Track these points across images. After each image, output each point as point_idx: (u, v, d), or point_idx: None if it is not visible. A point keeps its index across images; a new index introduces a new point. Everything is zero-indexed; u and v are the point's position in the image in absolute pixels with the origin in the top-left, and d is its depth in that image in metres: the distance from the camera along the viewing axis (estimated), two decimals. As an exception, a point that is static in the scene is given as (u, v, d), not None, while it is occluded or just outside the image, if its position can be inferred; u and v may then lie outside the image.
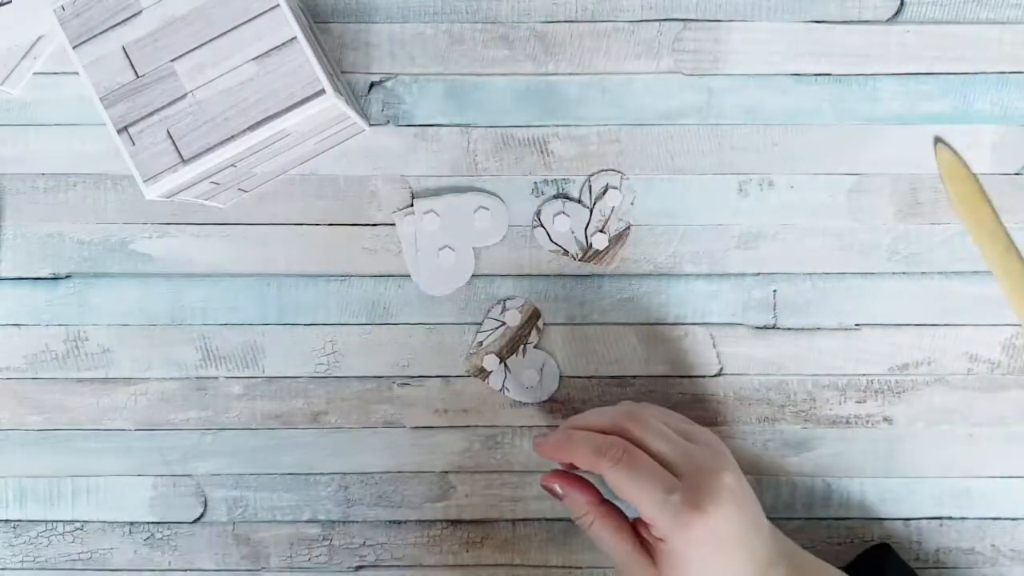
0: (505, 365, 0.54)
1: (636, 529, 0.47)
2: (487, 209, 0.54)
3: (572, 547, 0.54)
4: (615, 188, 0.54)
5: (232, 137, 0.46)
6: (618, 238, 0.54)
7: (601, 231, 0.54)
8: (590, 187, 0.54)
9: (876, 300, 0.54)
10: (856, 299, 0.54)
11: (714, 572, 0.44)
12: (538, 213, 0.54)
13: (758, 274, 0.54)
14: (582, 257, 0.54)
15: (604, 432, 0.46)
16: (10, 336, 0.54)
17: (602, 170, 0.54)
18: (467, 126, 0.55)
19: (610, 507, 0.48)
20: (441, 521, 0.55)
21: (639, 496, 0.44)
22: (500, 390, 0.54)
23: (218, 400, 0.54)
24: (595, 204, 0.54)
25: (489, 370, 0.54)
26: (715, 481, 0.44)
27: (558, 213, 0.54)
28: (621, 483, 0.44)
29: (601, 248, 0.54)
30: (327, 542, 0.54)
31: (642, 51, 0.54)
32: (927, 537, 0.54)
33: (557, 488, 0.48)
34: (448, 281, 0.54)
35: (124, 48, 0.46)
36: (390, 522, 0.55)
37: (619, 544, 0.47)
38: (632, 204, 0.54)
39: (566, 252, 0.54)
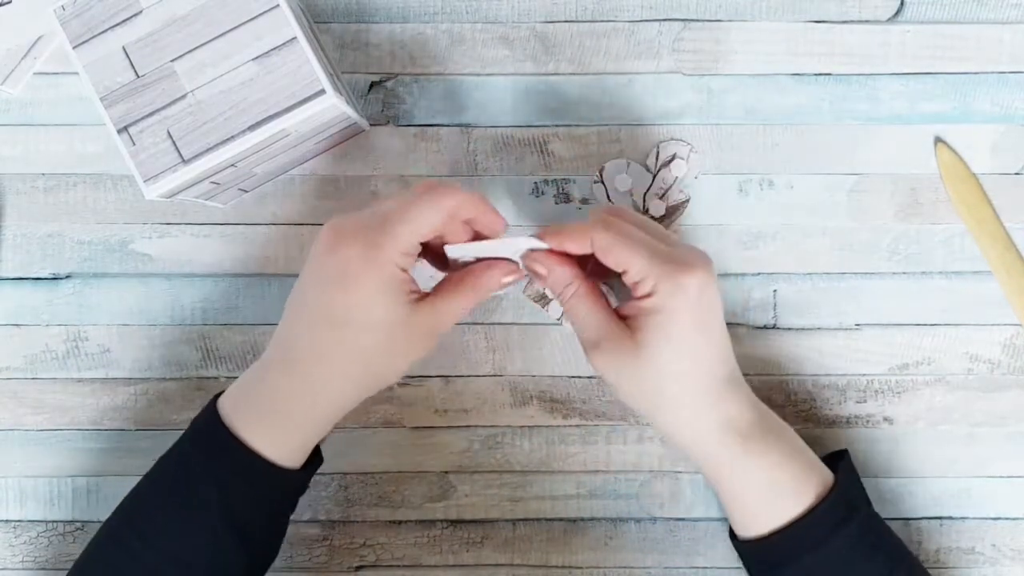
0: None
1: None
2: None
3: (572, 547, 0.54)
4: (682, 159, 0.54)
5: (232, 137, 0.46)
6: (676, 208, 0.54)
7: (660, 198, 0.54)
8: (657, 153, 0.54)
9: (876, 300, 0.54)
10: (856, 299, 0.54)
11: (693, 343, 0.45)
12: (601, 170, 0.54)
13: (758, 274, 0.54)
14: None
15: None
16: (10, 336, 0.54)
17: (672, 139, 0.54)
18: (467, 126, 0.55)
19: (590, 282, 0.47)
20: (441, 521, 0.55)
21: (631, 251, 0.44)
22: (558, 319, 0.54)
23: (218, 400, 0.54)
24: (659, 171, 0.54)
25: (550, 298, 0.54)
26: (701, 257, 0.45)
27: (621, 172, 0.54)
28: (612, 243, 0.44)
29: (657, 215, 0.54)
30: (327, 542, 0.54)
31: (642, 51, 0.54)
32: (927, 537, 0.54)
33: (540, 267, 0.47)
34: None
35: (124, 48, 0.46)
36: (390, 522, 0.55)
37: (598, 312, 0.46)
38: (696, 178, 0.54)
39: None
